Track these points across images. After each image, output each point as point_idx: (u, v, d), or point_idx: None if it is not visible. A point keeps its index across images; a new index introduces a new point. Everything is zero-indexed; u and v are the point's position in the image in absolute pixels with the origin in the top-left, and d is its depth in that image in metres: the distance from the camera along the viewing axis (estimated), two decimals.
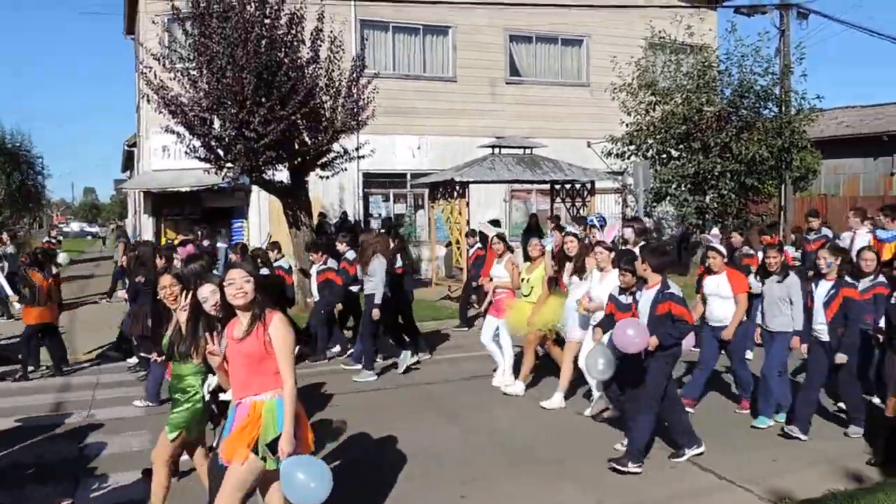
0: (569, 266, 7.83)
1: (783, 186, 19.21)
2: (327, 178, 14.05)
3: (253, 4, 12.22)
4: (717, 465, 6.07)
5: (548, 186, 16.91)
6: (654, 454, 6.31)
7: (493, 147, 15.82)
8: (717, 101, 17.83)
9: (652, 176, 17.11)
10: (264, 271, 9.55)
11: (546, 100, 20.83)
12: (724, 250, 7.49)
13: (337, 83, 13.09)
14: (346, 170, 14.75)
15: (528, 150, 16.05)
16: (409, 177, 19.53)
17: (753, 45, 17.73)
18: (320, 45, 12.87)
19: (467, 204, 15.42)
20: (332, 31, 12.87)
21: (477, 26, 19.90)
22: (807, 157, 22.36)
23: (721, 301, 7.26)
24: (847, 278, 6.64)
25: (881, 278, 6.72)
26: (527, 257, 8.46)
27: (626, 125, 18.29)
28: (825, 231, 11.34)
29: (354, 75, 13.24)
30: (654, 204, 18.80)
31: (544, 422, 7.33)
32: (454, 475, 6.00)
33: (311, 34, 12.79)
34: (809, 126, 18.59)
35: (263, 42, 12.02)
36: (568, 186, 16.49)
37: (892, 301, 6.16)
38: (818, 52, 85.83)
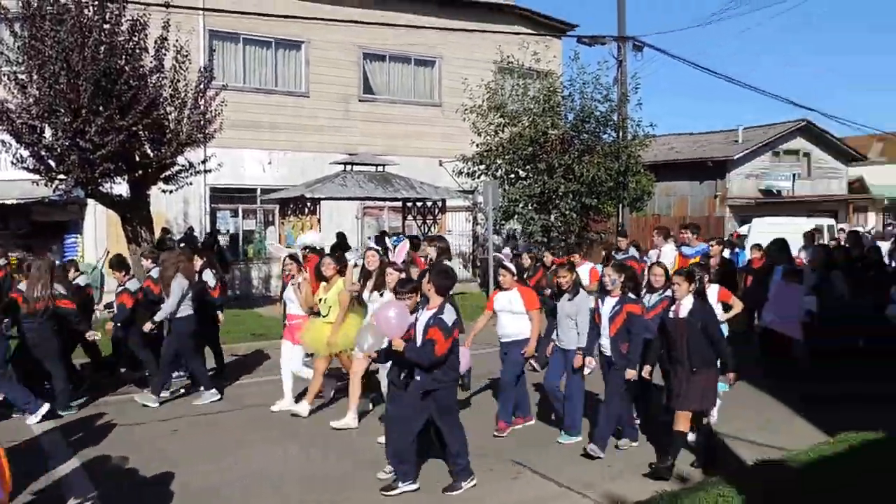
0: (370, 283, 7.80)
1: (620, 207, 20.41)
2: (171, 192, 13.51)
3: (91, 8, 11.60)
4: (558, 474, 6.35)
5: (400, 204, 17.09)
6: (498, 467, 6.52)
7: (345, 164, 15.82)
8: (560, 124, 18.71)
9: (500, 195, 17.70)
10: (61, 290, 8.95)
11: (399, 118, 21.06)
12: (513, 268, 7.68)
13: (183, 94, 12.66)
14: (191, 184, 14.27)
15: (380, 168, 16.17)
16: (258, 192, 19.11)
17: (594, 73, 18.79)
18: (165, 54, 12.41)
19: (318, 220, 15.31)
20: (178, 41, 12.45)
21: (330, 43, 19.85)
22: (642, 180, 23.88)
23: (512, 317, 7.39)
24: (630, 294, 6.89)
25: (668, 292, 6.89)
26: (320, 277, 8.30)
27: (477, 145, 18.83)
28: (632, 252, 11.97)
29: (201, 86, 12.87)
30: (503, 222, 19.43)
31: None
32: (296, 494, 5.95)
33: (156, 42, 12.31)
34: (644, 151, 19.90)
35: (102, 48, 11.43)
36: (420, 204, 16.75)
37: (671, 315, 6.42)
38: (652, 82, 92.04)
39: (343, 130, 20.02)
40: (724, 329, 7.33)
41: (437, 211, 16.64)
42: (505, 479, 6.29)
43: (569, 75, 19.54)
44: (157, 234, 14.46)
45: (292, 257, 8.75)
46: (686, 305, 6.27)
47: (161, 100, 12.33)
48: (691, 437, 6.99)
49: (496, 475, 6.33)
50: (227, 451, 6.99)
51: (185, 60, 12.51)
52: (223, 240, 18.53)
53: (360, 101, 20.58)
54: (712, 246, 10.17)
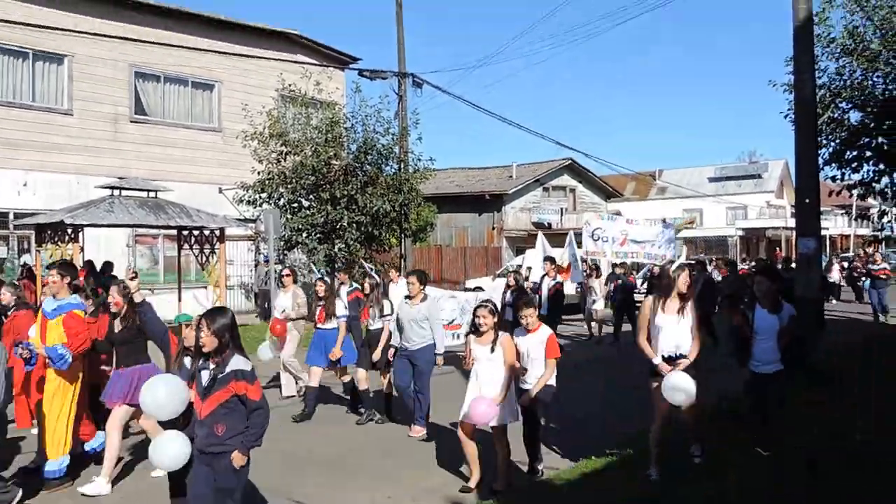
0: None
1: (402, 237, 20.81)
2: None
3: None
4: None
5: (175, 232, 16.19)
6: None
7: (112, 188, 14.73)
8: (343, 155, 18.78)
9: (283, 224, 17.37)
10: None
11: (175, 142, 20.09)
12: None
13: None
14: None
15: (152, 193, 15.23)
16: (11, 216, 17.28)
17: (375, 106, 19.09)
18: None
19: (81, 249, 14.09)
20: None
21: (97, 58, 18.54)
22: (424, 211, 24.61)
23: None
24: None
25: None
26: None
27: (258, 173, 18.38)
28: None
29: None
30: (286, 252, 19.08)
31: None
32: None
33: None
34: (426, 183, 20.49)
35: None
36: (196, 233, 15.97)
37: None
38: (434, 117, 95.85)
39: (112, 153, 18.73)
40: None
41: (215, 240, 15.93)
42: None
43: (351, 107, 19.72)
44: None
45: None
46: None
47: None
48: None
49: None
50: None
51: None
52: None
53: (131, 121, 19.38)
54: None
